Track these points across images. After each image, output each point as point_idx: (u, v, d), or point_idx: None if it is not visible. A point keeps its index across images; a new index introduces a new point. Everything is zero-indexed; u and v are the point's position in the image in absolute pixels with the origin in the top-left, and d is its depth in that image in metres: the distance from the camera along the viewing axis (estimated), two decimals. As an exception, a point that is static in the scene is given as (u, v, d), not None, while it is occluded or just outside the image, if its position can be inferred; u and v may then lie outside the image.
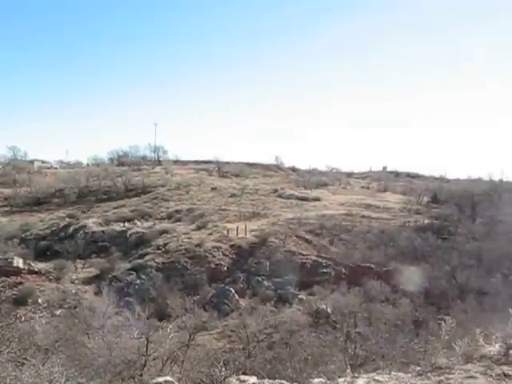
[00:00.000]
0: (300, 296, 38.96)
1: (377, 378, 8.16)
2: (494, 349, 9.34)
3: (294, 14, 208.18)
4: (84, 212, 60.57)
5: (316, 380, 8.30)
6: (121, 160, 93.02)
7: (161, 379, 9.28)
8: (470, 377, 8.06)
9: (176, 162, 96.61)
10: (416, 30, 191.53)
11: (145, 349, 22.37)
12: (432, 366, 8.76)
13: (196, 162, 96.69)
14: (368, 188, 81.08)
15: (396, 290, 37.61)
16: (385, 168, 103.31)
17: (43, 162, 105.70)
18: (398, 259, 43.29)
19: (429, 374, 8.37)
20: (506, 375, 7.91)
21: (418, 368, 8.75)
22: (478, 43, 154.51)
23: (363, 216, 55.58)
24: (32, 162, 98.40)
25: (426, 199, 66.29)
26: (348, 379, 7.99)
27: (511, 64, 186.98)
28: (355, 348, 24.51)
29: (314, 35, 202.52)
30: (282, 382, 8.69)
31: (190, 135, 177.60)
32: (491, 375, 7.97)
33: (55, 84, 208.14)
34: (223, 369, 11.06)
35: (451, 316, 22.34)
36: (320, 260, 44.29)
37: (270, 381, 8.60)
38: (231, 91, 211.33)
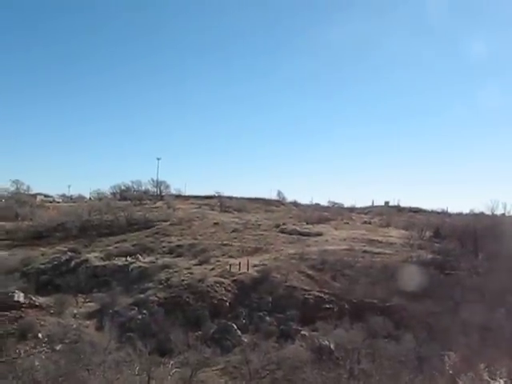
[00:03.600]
0: (302, 332, 38.55)
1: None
2: (499, 384, 9.44)
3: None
4: (86, 246, 60.48)
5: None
6: (123, 194, 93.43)
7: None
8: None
9: (178, 196, 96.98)
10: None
11: (146, 385, 22.17)
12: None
13: (198, 197, 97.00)
14: (370, 223, 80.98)
15: (399, 325, 37.40)
16: (387, 203, 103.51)
17: (46, 196, 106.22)
18: (401, 294, 43.01)
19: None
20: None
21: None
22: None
23: (365, 251, 55.40)
24: (34, 195, 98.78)
25: (428, 234, 66.17)
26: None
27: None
28: (359, 385, 24.28)
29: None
30: None
31: (191, 170, 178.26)
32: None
33: (59, 118, 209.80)
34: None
35: (454, 351, 22.19)
36: (322, 295, 44.10)
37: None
38: (233, 126, 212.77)
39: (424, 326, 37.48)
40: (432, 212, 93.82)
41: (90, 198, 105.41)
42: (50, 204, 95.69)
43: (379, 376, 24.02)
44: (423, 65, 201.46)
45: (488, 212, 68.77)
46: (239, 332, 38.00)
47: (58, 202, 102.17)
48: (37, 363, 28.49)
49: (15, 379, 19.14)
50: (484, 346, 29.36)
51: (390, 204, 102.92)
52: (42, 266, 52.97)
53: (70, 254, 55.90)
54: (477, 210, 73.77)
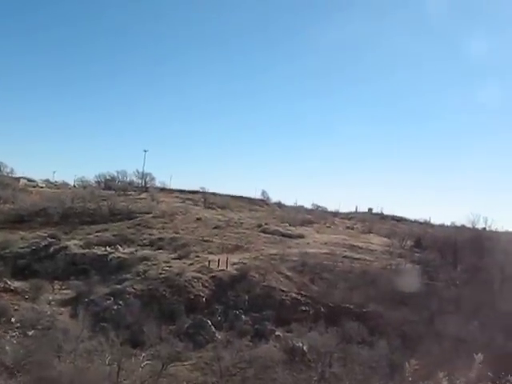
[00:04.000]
0: (277, 332, 38.67)
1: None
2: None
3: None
4: (66, 233, 59.93)
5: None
6: (108, 184, 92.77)
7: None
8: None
9: (162, 189, 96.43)
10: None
11: (116, 375, 22.05)
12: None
13: (182, 192, 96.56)
14: (352, 229, 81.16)
15: (373, 331, 37.58)
16: (370, 210, 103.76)
17: (29, 180, 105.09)
18: (378, 301, 43.23)
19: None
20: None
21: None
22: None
23: (346, 256, 55.52)
24: (18, 179, 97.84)
25: (409, 243, 66.46)
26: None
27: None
28: (328, 388, 24.32)
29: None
30: None
31: (178, 164, 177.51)
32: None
33: (47, 104, 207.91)
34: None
35: (423, 360, 22.39)
36: (300, 297, 44.21)
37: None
38: (222, 122, 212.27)
39: (398, 333, 37.72)
40: (415, 222, 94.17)
41: (74, 185, 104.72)
42: (33, 188, 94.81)
43: (349, 381, 24.09)
44: (421, 66, 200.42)
45: (469, 225, 69.34)
46: (213, 328, 37.99)
47: (42, 187, 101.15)
48: (7, 347, 28.28)
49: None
50: (452, 357, 29.65)
51: (374, 211, 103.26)
52: (21, 250, 52.50)
53: (49, 239, 55.46)
54: (458, 223, 74.35)
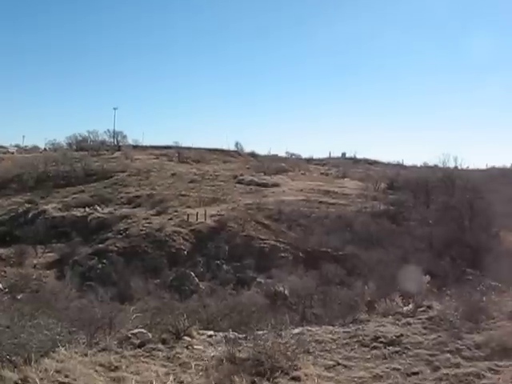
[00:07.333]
0: (258, 279, 40.02)
1: (309, 328, 10.11)
2: (408, 308, 11.64)
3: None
4: (43, 197, 60.08)
5: (260, 332, 10.01)
6: (79, 145, 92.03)
7: (135, 330, 10.65)
8: (382, 325, 10.29)
9: (136, 147, 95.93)
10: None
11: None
12: (354, 319, 11.03)
13: (156, 148, 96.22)
14: (327, 174, 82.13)
15: (351, 273, 39.02)
16: (344, 154, 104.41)
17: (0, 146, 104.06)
18: (354, 244, 44.64)
19: (350, 325, 10.65)
20: (409, 324, 10.32)
21: (341, 321, 11.03)
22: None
23: (321, 202, 56.80)
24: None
25: (383, 186, 67.70)
26: (287, 329, 9.81)
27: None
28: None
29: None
30: (234, 332, 10.35)
31: (149, 120, 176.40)
32: (398, 324, 10.46)
33: (12, 66, 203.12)
34: (186, 321, 12.12)
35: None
36: (278, 244, 45.48)
37: (224, 333, 10.32)
38: (191, 75, 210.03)
39: (374, 273, 39.19)
40: (388, 164, 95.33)
41: (45, 149, 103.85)
42: (3, 155, 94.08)
43: (329, 318, 25.32)
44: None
45: (440, 165, 70.79)
46: (197, 280, 39.17)
47: (13, 153, 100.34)
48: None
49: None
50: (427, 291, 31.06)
51: (347, 156, 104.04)
52: (0, 218, 52.85)
53: (27, 205, 55.78)
54: (430, 163, 75.84)
